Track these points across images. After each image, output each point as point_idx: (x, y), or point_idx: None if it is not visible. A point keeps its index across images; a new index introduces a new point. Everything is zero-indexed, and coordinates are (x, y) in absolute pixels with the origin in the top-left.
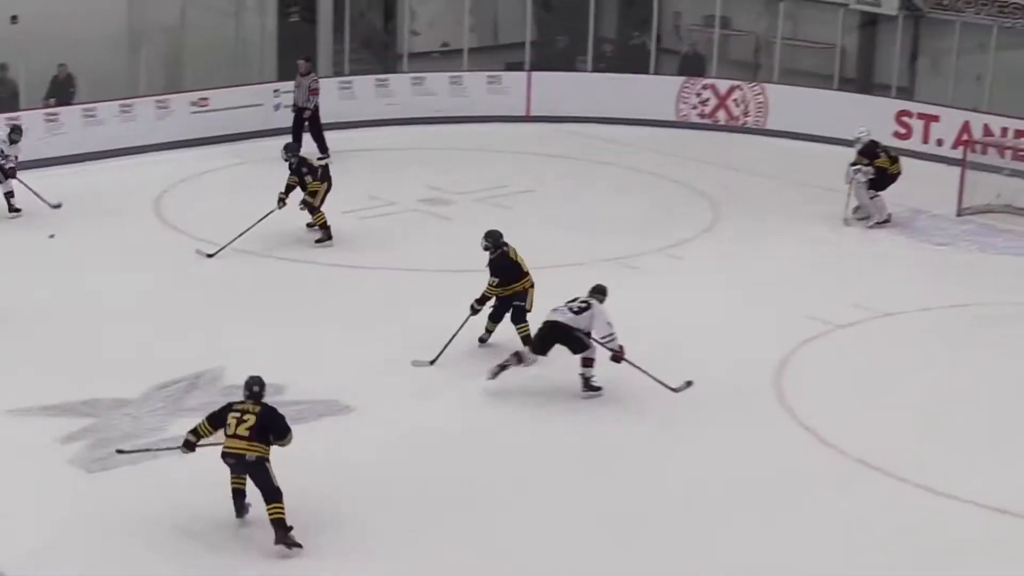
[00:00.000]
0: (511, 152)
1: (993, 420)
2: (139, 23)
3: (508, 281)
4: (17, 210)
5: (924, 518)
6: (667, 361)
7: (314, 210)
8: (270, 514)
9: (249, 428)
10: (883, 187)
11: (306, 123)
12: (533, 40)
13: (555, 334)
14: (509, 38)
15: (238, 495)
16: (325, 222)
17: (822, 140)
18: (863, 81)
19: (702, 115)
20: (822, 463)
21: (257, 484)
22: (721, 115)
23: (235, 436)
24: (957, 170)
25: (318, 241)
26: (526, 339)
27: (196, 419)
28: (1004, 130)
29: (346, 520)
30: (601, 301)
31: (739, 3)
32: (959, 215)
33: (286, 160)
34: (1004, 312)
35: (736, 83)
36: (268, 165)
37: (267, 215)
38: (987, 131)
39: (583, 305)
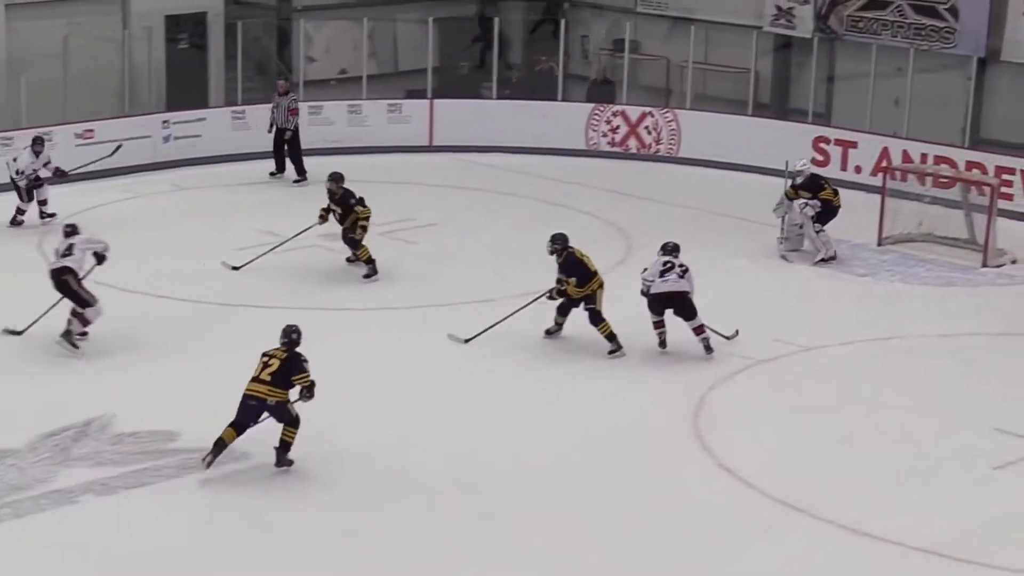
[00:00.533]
0: (414, 184)
1: (918, 457)
2: (19, 51)
3: (579, 283)
4: (52, 214)
5: (851, 561)
6: (583, 400)
7: (357, 245)
8: (284, 435)
9: (272, 373)
10: (826, 221)
11: (286, 145)
12: (435, 66)
13: (672, 302)
14: (410, 64)
15: (221, 445)
16: (369, 256)
17: (737, 168)
18: (778, 106)
19: (612, 143)
20: (744, 506)
21: (280, 419)
22: (632, 143)
23: (258, 380)
24: (877, 198)
25: (366, 276)
26: (610, 336)
27: (84, 469)
28: (924, 156)
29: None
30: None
31: (650, 27)
32: (880, 244)
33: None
34: (927, 344)
35: (647, 109)
36: (158, 200)
37: (306, 230)
38: (906, 157)
39: (683, 268)
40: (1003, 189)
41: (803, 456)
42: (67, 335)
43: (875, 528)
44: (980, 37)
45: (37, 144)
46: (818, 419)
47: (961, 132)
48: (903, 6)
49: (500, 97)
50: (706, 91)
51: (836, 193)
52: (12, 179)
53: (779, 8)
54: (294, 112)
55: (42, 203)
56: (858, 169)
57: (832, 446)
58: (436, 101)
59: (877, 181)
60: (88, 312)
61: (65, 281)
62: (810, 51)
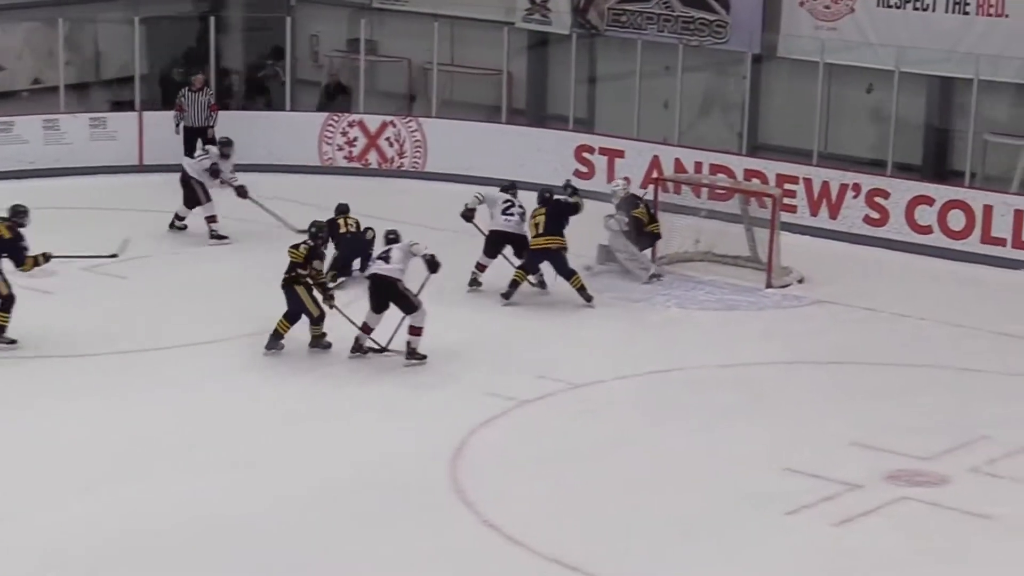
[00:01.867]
0: (123, 210)
1: (704, 503)
2: None
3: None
4: (223, 238)
5: None
6: (321, 454)
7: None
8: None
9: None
10: (643, 245)
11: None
12: (144, 73)
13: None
14: (115, 72)
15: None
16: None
17: (491, 182)
18: (535, 112)
19: (350, 157)
20: (512, 566)
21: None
22: (372, 157)
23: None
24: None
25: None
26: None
27: None
28: (698, 165)
29: None
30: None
31: (388, 24)
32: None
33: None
34: (709, 377)
35: (388, 118)
36: None
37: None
38: (679, 167)
39: (522, 211)
40: (786, 200)
41: (576, 507)
42: (412, 354)
43: None
44: (754, 31)
45: (226, 146)
46: (591, 465)
47: (738, 137)
48: None
49: (219, 108)
50: (454, 96)
51: (653, 219)
52: (188, 177)
53: (532, 2)
54: (216, 109)
55: (210, 219)
56: (627, 181)
57: (608, 495)
58: (146, 114)
59: (648, 194)
60: (417, 316)
61: (391, 285)
62: (568, 49)
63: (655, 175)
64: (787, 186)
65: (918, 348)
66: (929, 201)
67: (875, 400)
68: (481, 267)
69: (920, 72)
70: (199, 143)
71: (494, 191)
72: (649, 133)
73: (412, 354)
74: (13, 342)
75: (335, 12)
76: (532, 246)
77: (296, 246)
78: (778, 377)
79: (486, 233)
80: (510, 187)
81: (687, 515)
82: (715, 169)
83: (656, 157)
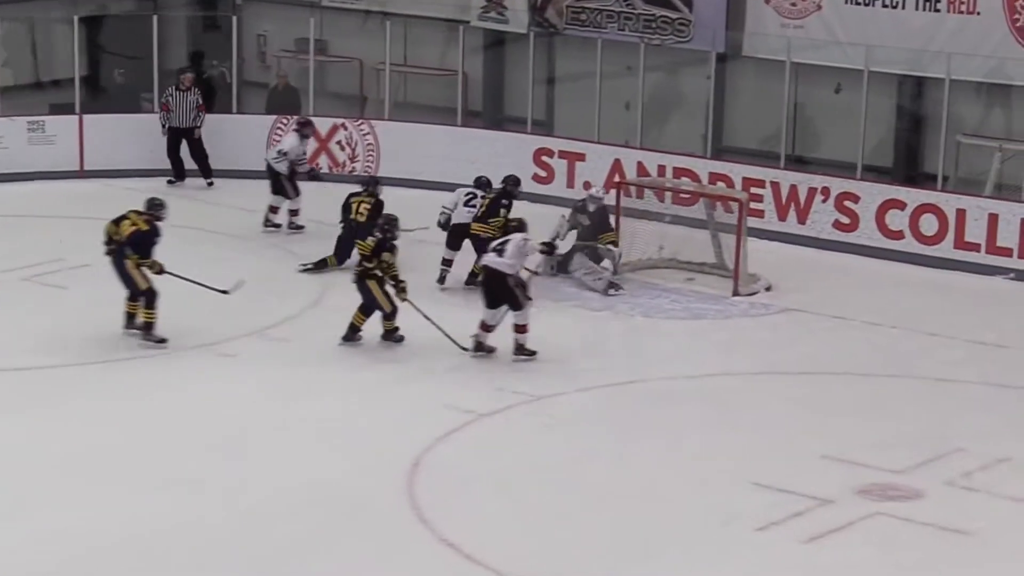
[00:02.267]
0: (62, 218)
1: (669, 519)
2: None
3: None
4: (300, 227)
5: None
6: (270, 470)
7: None
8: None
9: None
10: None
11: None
12: (84, 75)
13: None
14: (53, 73)
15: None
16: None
17: (445, 187)
18: (492, 114)
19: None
20: None
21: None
22: (323, 161)
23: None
24: (611, 218)
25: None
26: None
27: None
28: (662, 168)
29: None
30: None
31: (339, 23)
32: (616, 273)
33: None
34: (675, 388)
35: (339, 121)
36: None
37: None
38: (642, 170)
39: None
40: (752, 204)
41: (537, 524)
42: (520, 349)
43: None
44: (718, 30)
45: (306, 127)
46: (552, 480)
47: (702, 139)
48: None
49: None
50: (407, 98)
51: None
52: (269, 166)
53: None
54: (203, 109)
55: (292, 212)
56: (587, 185)
57: (570, 511)
58: (86, 117)
59: (610, 199)
60: (522, 314)
61: (502, 279)
62: (526, 49)
63: (617, 179)
64: (754, 190)
65: (890, 358)
66: (900, 205)
67: (846, 412)
68: (447, 262)
69: (890, 71)
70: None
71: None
72: (610, 136)
73: (520, 350)
74: (163, 341)
75: (283, 11)
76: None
77: (364, 238)
78: (746, 388)
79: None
80: (484, 183)
81: (652, 532)
82: (679, 173)
83: (618, 160)
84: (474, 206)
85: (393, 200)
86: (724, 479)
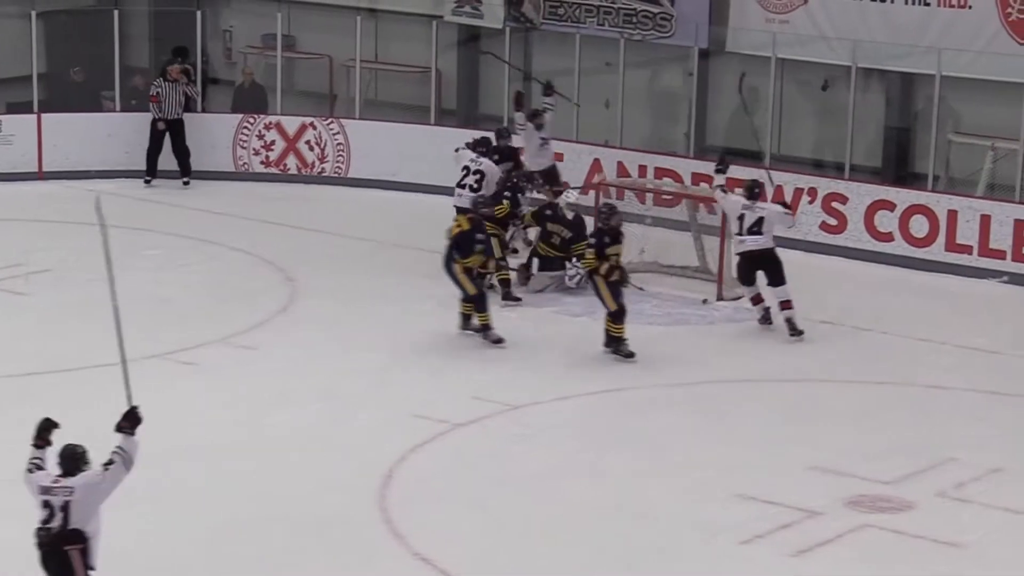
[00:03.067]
0: (21, 221)
1: (651, 533)
2: None
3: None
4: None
5: None
6: (239, 486)
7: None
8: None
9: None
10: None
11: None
12: (42, 72)
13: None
14: (9, 71)
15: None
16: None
17: (420, 189)
18: (467, 112)
19: (267, 162)
20: None
21: None
22: (291, 161)
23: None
24: (590, 221)
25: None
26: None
27: None
28: (643, 168)
29: None
30: None
31: (307, 18)
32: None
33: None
34: (657, 396)
35: (308, 120)
36: None
37: None
38: (622, 170)
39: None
40: None
41: (514, 539)
42: (794, 329)
43: None
44: (701, 24)
45: (539, 116)
46: (530, 493)
47: (685, 138)
48: None
49: (125, 109)
50: (379, 96)
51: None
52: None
53: None
54: (193, 99)
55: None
56: (564, 185)
57: (548, 525)
58: (45, 116)
59: (589, 200)
60: (787, 288)
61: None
62: (502, 44)
63: (596, 179)
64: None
65: (880, 364)
66: (890, 206)
67: (835, 421)
68: None
69: (879, 68)
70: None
71: (466, 152)
72: (589, 135)
73: (794, 329)
74: (501, 340)
75: (249, 5)
76: None
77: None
78: (730, 396)
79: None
80: (481, 142)
81: (632, 546)
82: (660, 173)
83: (597, 160)
84: (465, 186)
85: (364, 201)
86: (708, 490)
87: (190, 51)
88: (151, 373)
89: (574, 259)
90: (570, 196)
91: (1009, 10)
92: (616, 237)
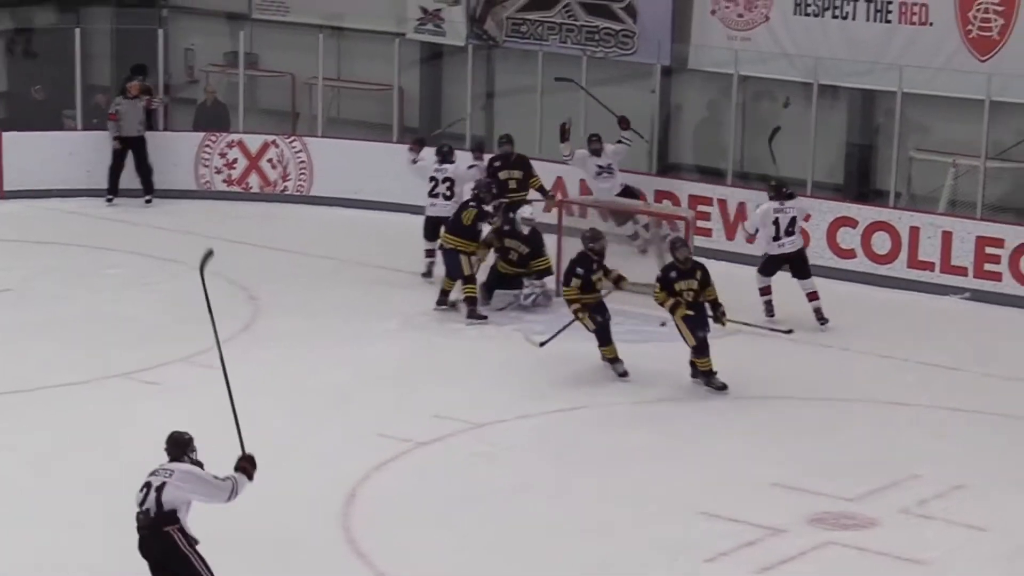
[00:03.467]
0: None
1: (614, 552)
2: None
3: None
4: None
5: None
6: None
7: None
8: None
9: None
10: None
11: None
12: (3, 91)
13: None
14: None
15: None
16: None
17: (383, 207)
18: (429, 130)
19: (229, 181)
20: None
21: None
22: (254, 180)
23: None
24: (552, 238)
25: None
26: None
27: None
28: None
29: None
30: None
31: (270, 36)
32: (559, 296)
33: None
34: (621, 414)
35: (270, 138)
36: None
37: None
38: (585, 188)
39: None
40: (699, 223)
41: (478, 558)
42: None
43: None
44: (664, 41)
45: (596, 142)
46: (493, 512)
47: (648, 156)
48: (572, 5)
49: (87, 128)
50: (341, 114)
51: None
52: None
53: (425, 11)
54: (156, 116)
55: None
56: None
57: (510, 543)
58: (6, 135)
59: (551, 218)
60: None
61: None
62: (464, 62)
63: (559, 197)
64: (700, 208)
65: (843, 381)
66: (852, 223)
67: (798, 438)
68: (429, 252)
69: (840, 84)
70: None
71: (425, 166)
72: (552, 152)
73: (822, 318)
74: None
75: (211, 23)
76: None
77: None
78: (694, 414)
79: None
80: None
81: (596, 565)
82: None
83: (560, 178)
84: (437, 195)
85: (327, 220)
86: (671, 509)
87: (149, 69)
88: (113, 392)
89: (533, 276)
90: (525, 211)
91: (969, 27)
92: (691, 271)
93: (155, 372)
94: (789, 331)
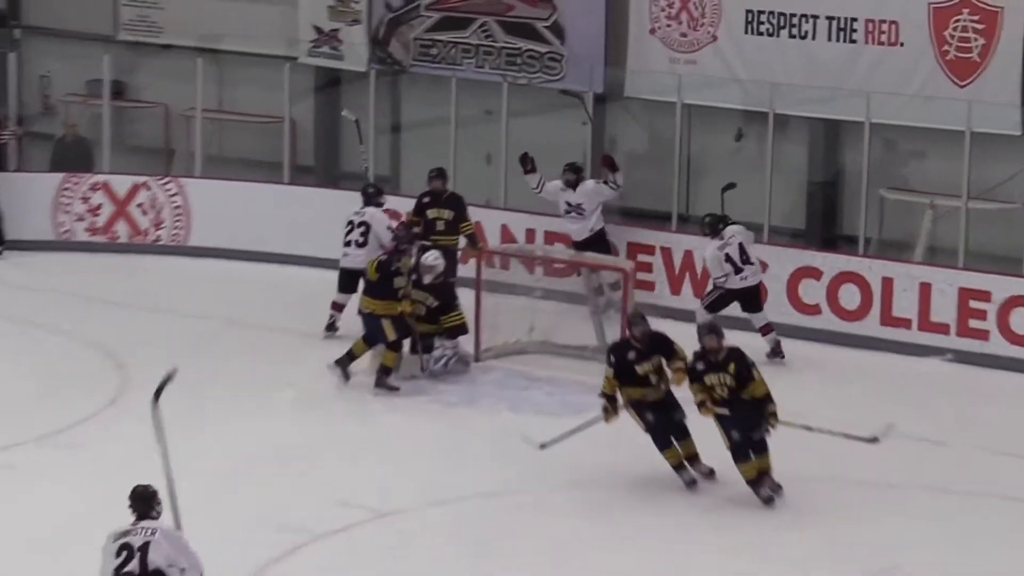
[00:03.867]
0: None
1: None
2: None
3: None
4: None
5: None
6: None
7: None
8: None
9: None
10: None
11: None
12: None
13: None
14: None
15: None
16: None
17: (271, 259)
18: (326, 169)
19: (92, 229)
20: None
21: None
22: (122, 228)
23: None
24: (470, 293)
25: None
26: None
27: None
28: (530, 232)
29: None
30: None
31: (139, 61)
32: (478, 360)
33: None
34: (550, 501)
35: (141, 179)
36: None
37: None
38: (507, 235)
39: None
40: (640, 275)
41: None
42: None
43: None
44: (596, 65)
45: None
46: None
47: None
48: (490, 25)
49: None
50: (223, 150)
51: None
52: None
53: (319, 31)
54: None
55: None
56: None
57: None
58: None
59: (469, 270)
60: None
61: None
62: (366, 90)
63: (480, 245)
64: (641, 257)
65: (806, 458)
66: (816, 274)
67: (763, 523)
68: (336, 305)
69: (800, 114)
70: None
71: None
72: (469, 193)
73: (779, 352)
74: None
75: (71, 46)
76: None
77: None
78: (637, 498)
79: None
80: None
81: None
82: (551, 238)
83: (478, 223)
84: (350, 244)
85: (208, 273)
86: None
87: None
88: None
89: (444, 335)
90: (428, 258)
91: (946, 48)
92: (722, 363)
93: (8, 454)
94: (874, 439)
